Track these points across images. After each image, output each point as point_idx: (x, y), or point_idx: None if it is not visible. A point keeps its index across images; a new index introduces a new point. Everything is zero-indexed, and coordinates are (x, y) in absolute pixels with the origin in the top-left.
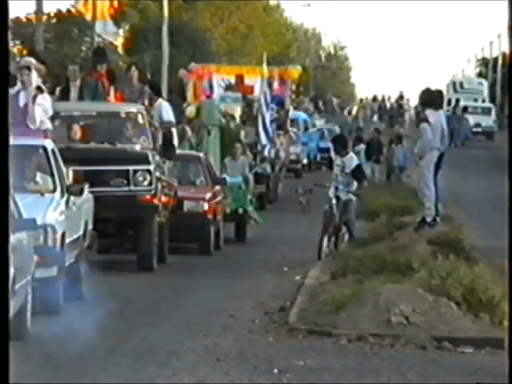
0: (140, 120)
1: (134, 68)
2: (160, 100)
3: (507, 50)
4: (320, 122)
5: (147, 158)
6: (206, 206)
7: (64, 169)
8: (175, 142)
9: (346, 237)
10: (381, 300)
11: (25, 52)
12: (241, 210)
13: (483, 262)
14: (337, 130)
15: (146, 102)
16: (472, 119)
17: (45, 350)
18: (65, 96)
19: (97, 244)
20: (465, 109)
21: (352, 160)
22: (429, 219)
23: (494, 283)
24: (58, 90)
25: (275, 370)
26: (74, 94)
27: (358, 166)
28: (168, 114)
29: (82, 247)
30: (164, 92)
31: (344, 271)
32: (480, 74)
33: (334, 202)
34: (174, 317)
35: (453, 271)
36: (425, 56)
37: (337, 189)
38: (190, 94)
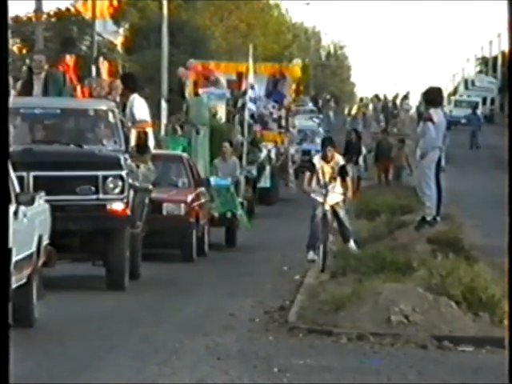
0: (111, 119)
1: (101, 59)
2: (134, 95)
3: (507, 49)
4: (304, 123)
5: (119, 163)
6: (186, 209)
7: (13, 174)
8: (151, 143)
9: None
10: (381, 299)
11: (24, 51)
12: (229, 214)
13: (483, 261)
14: (321, 130)
15: (118, 99)
16: (463, 112)
17: None
18: (27, 91)
19: (55, 261)
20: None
21: (340, 160)
22: (429, 218)
23: (493, 282)
24: (19, 83)
25: (275, 369)
26: (37, 89)
27: (344, 165)
28: (140, 111)
29: (36, 265)
30: (164, 91)
31: (344, 270)
32: (481, 73)
33: (327, 207)
34: (173, 317)
35: (453, 270)
36: (424, 55)
37: (326, 194)
38: (188, 92)
